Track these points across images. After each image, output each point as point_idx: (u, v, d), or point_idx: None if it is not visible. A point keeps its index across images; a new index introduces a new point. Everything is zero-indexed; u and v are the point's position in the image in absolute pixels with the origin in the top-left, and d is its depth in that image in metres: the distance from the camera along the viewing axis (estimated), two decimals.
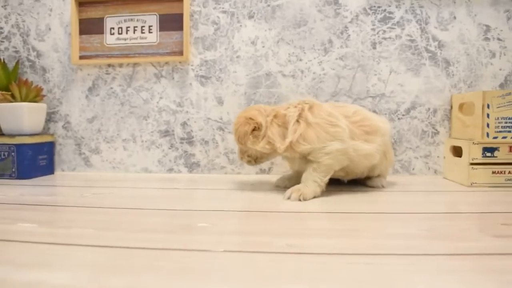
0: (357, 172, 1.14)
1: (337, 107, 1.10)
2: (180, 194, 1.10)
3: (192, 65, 1.47)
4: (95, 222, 0.80)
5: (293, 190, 1.02)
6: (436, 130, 1.42)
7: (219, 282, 0.52)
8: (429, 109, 1.42)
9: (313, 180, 1.04)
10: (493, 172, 1.20)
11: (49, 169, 1.51)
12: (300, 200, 1.00)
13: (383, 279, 0.52)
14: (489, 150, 1.20)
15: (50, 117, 1.55)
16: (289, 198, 1.00)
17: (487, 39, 1.41)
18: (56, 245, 0.66)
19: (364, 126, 1.09)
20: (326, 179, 1.05)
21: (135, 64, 1.50)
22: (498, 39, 1.41)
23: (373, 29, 1.42)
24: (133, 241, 0.68)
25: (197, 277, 0.53)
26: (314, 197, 1.03)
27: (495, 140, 1.20)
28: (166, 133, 1.49)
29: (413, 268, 0.56)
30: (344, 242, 0.67)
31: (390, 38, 1.41)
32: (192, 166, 1.48)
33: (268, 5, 1.44)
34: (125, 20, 1.50)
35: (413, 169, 1.43)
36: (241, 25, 1.45)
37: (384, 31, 1.41)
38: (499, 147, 1.20)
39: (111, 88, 1.51)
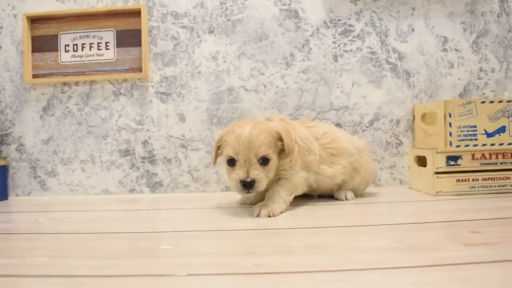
0: (323, 190, 1.16)
1: (308, 128, 1.11)
2: (142, 216, 1.04)
3: (151, 82, 1.42)
4: (50, 250, 0.73)
5: (262, 207, 0.98)
6: (400, 140, 1.41)
7: None
8: (392, 120, 1.41)
9: (280, 196, 1.01)
10: (458, 180, 1.20)
11: (2, 194, 1.41)
12: (269, 216, 0.95)
13: None
14: (452, 158, 1.19)
15: (2, 140, 1.46)
16: (258, 215, 0.96)
17: (445, 50, 1.42)
18: (6, 277, 0.59)
19: (331, 148, 1.11)
20: (291, 198, 1.04)
21: (92, 82, 1.43)
22: (456, 49, 1.42)
23: (334, 42, 1.40)
24: (89, 268, 0.61)
25: None
26: (281, 212, 1.00)
27: (458, 149, 1.19)
28: (126, 152, 1.42)
29: (389, 284, 0.52)
30: (314, 258, 0.63)
31: (351, 50, 1.41)
32: (154, 186, 1.42)
33: (228, 20, 1.41)
34: (80, 37, 1.43)
35: (379, 180, 1.41)
36: (201, 40, 1.41)
37: (345, 44, 1.41)
38: (462, 155, 1.19)
39: (67, 107, 1.44)
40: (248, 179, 0.93)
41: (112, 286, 0.54)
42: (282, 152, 1.00)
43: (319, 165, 1.07)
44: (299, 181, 1.04)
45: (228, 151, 0.96)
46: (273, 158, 0.98)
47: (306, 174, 1.05)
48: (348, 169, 1.14)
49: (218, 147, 1.03)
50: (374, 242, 0.72)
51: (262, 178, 0.94)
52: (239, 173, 0.94)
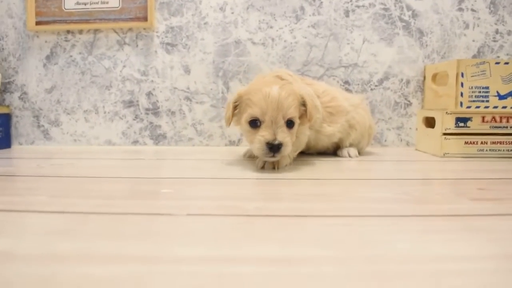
0: (319, 148, 1.15)
1: (309, 85, 1.08)
2: (144, 164, 1.03)
3: (157, 32, 1.38)
4: (50, 190, 0.72)
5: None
6: (409, 101, 1.38)
7: (183, 244, 0.45)
8: (402, 80, 1.37)
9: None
10: (466, 143, 1.17)
11: (5, 142, 1.40)
12: (274, 168, 0.94)
13: (366, 239, 0.46)
14: (462, 120, 1.16)
15: (5, 88, 1.43)
16: (262, 167, 0.94)
17: (460, 9, 1.36)
18: (5, 212, 0.58)
19: (330, 107, 1.09)
20: (296, 154, 1.03)
21: (96, 31, 1.39)
22: (472, 9, 1.37)
23: None
24: (88, 206, 0.60)
25: (158, 240, 0.46)
26: (286, 165, 0.98)
27: (468, 110, 1.16)
28: (130, 103, 1.40)
29: (396, 229, 0.50)
30: (319, 205, 0.61)
31: (363, 6, 1.35)
32: (158, 138, 1.40)
33: None
34: None
35: (385, 140, 1.39)
36: None
37: None
38: (472, 117, 1.16)
39: (71, 56, 1.41)
40: (276, 142, 0.86)
41: (110, 222, 0.53)
42: (301, 117, 0.96)
43: (320, 123, 1.06)
44: (304, 138, 1.03)
45: (252, 111, 0.89)
46: (297, 122, 0.93)
47: (308, 131, 1.03)
48: (345, 126, 1.12)
49: (235, 107, 0.95)
50: (378, 193, 0.71)
51: (288, 142, 0.88)
52: (265, 134, 0.87)
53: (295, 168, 0.96)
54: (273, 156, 0.88)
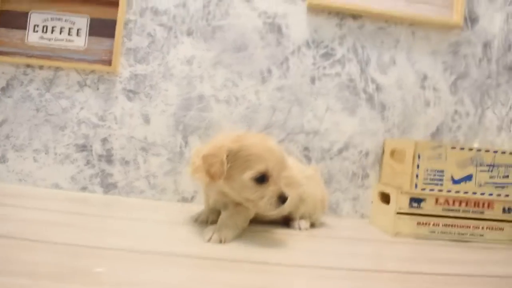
0: (267, 220, 1.12)
1: None
2: (87, 223, 0.97)
3: (120, 77, 1.34)
4: None
5: (215, 232, 0.92)
6: (367, 173, 1.37)
7: None
8: (361, 151, 1.37)
9: (235, 223, 0.96)
10: (418, 223, 1.16)
11: None
12: (221, 242, 0.90)
13: None
14: (416, 200, 1.16)
15: None
16: (209, 240, 0.90)
17: (423, 87, 1.39)
18: None
19: (284, 178, 1.04)
20: (246, 223, 1.00)
21: (57, 68, 1.34)
22: (434, 88, 1.39)
23: (314, 64, 1.36)
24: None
25: None
26: (233, 239, 0.94)
27: (422, 192, 1.16)
28: (83, 148, 1.34)
29: None
30: None
31: (330, 75, 1.36)
32: (108, 187, 1.34)
33: (209, 25, 1.34)
34: (52, 19, 1.34)
35: (341, 211, 1.37)
36: (178, 41, 1.34)
37: (325, 67, 1.36)
38: (426, 198, 1.16)
39: (27, 90, 1.34)
40: (286, 194, 0.90)
41: None
42: None
43: None
44: (254, 210, 1.00)
45: (259, 167, 0.89)
46: None
47: None
48: (295, 200, 1.10)
49: (227, 160, 0.90)
50: None
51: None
52: (275, 189, 0.89)
53: (241, 242, 0.93)
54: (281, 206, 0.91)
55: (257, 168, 0.89)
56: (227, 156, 0.89)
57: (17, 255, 0.69)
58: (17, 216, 0.96)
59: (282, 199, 0.89)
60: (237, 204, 0.98)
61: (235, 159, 0.90)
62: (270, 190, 0.89)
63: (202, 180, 0.93)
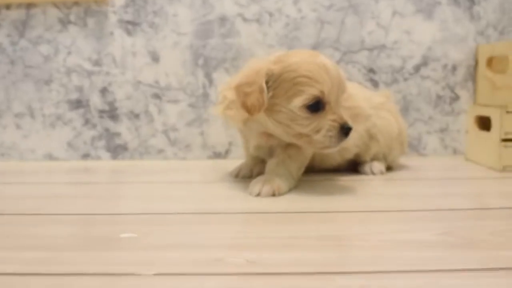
0: (327, 166, 1.16)
1: None
2: (98, 191, 1.02)
3: (113, 6, 1.38)
4: None
5: (264, 182, 0.96)
6: (456, 94, 1.39)
7: None
8: (446, 65, 1.38)
9: (288, 170, 1.00)
10: None
11: None
12: (274, 195, 0.94)
13: None
14: None
15: None
16: (258, 194, 0.94)
17: None
18: None
19: (344, 108, 1.08)
20: (301, 172, 1.04)
21: (29, 5, 1.39)
22: None
23: None
24: (19, 264, 0.60)
25: None
26: (289, 190, 0.99)
27: None
28: (78, 103, 1.40)
29: None
30: (326, 256, 0.61)
31: None
32: (116, 150, 1.41)
33: None
34: None
35: (425, 148, 1.40)
36: None
37: None
38: None
39: None
40: (349, 124, 0.92)
41: None
42: None
43: None
44: (310, 153, 1.04)
45: (312, 90, 0.90)
46: None
47: None
48: (364, 137, 1.13)
49: (267, 87, 0.92)
50: (410, 234, 0.71)
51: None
52: (336, 118, 0.92)
53: (298, 193, 0.97)
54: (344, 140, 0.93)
55: (310, 92, 0.90)
56: (267, 81, 0.92)
57: (29, 231, 0.75)
58: (9, 192, 1.03)
59: (345, 130, 0.91)
60: (287, 147, 1.02)
61: (279, 84, 0.92)
62: (328, 120, 0.91)
63: (238, 119, 0.97)
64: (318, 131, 0.92)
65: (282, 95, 0.92)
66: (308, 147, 0.98)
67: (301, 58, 0.93)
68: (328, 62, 0.93)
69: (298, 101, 0.90)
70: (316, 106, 0.91)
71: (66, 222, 0.80)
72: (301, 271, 0.57)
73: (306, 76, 0.90)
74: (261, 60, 0.98)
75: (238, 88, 0.93)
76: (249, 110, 0.92)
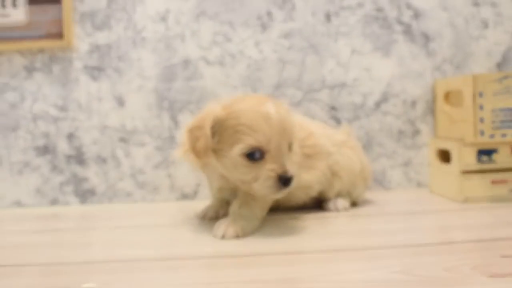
0: (292, 205, 1.17)
1: None
2: (65, 239, 1.02)
3: (77, 53, 1.39)
4: None
5: (229, 225, 0.97)
6: (417, 128, 1.42)
7: None
8: (406, 100, 1.41)
9: (251, 211, 1.01)
10: (493, 182, 1.21)
11: None
12: (238, 236, 0.95)
13: None
14: (485, 152, 1.20)
15: None
16: (223, 236, 0.96)
17: (476, 4, 1.42)
18: None
19: (306, 147, 1.11)
20: (265, 213, 1.05)
21: None
22: (491, 3, 1.43)
23: None
24: None
25: None
26: (252, 232, 1.00)
27: (492, 140, 1.19)
28: (45, 150, 1.41)
29: None
30: None
31: (349, 7, 1.40)
32: (85, 195, 1.41)
33: None
34: None
35: (389, 182, 1.42)
36: None
37: None
38: (498, 149, 1.20)
39: None
40: (289, 174, 0.91)
41: None
42: None
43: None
44: None
45: (253, 140, 0.90)
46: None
47: None
48: (327, 175, 1.15)
49: (213, 134, 0.95)
50: (369, 272, 0.72)
51: (296, 171, 0.94)
52: (275, 168, 0.91)
53: (262, 234, 0.98)
54: (283, 190, 0.93)
55: (247, 141, 0.91)
56: (213, 126, 0.94)
57: None
58: None
59: (283, 180, 0.91)
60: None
61: (224, 130, 0.94)
62: (266, 169, 0.92)
63: (196, 162, 0.99)
64: (256, 180, 0.93)
65: (226, 141, 0.94)
66: (253, 193, 0.98)
67: (246, 106, 0.94)
68: (272, 110, 0.93)
69: (237, 149, 0.92)
70: (255, 155, 0.92)
71: (26, 274, 0.79)
72: None
73: (245, 124, 0.92)
74: (214, 104, 0.99)
75: (189, 132, 0.97)
76: (197, 154, 0.95)
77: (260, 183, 0.92)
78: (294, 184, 0.93)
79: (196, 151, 0.95)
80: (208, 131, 0.93)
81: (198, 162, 1.00)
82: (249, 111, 0.93)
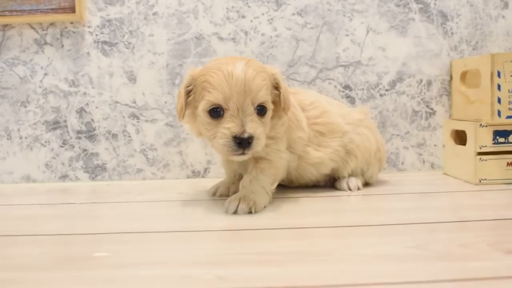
0: (305, 181, 1.17)
1: (293, 94, 1.09)
2: (75, 212, 1.03)
3: (89, 27, 1.39)
4: None
5: (241, 200, 0.97)
6: (432, 109, 1.41)
7: None
8: (421, 80, 1.40)
9: (261, 186, 1.00)
10: (509, 164, 1.20)
11: None
12: (251, 212, 0.95)
13: None
14: (502, 134, 1.19)
15: None
16: (235, 212, 0.95)
17: None
18: None
19: (319, 124, 1.11)
20: (274, 186, 1.05)
21: (5, 26, 1.39)
22: None
23: None
24: None
25: None
26: (264, 207, 1.00)
27: (509, 121, 1.19)
28: (55, 124, 1.40)
29: None
30: (300, 270, 0.63)
31: None
32: (95, 171, 1.41)
33: None
34: None
35: (402, 163, 1.42)
36: None
37: None
38: None
39: None
40: (246, 135, 0.89)
41: None
42: (274, 106, 0.99)
43: (304, 146, 1.08)
44: (283, 165, 1.05)
45: (211, 97, 0.91)
46: (270, 108, 0.96)
47: (289, 156, 1.06)
48: (341, 153, 1.15)
49: (188, 93, 0.97)
50: (382, 247, 0.72)
51: (261, 134, 0.92)
52: (231, 126, 0.90)
53: (275, 210, 0.98)
54: (243, 153, 0.91)
55: (208, 98, 0.92)
56: (188, 85, 0.97)
57: (3, 251, 0.76)
58: None
59: (239, 140, 0.90)
60: (258, 161, 1.02)
61: (197, 88, 0.96)
62: (223, 127, 0.91)
63: (191, 129, 1.04)
64: (214, 137, 0.93)
65: (197, 99, 0.96)
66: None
67: (215, 64, 0.94)
68: (238, 70, 0.91)
69: (202, 106, 0.93)
70: (216, 112, 0.92)
71: (40, 243, 0.80)
72: (269, 286, 0.58)
73: (208, 81, 0.92)
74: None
75: (178, 95, 1.00)
76: (178, 114, 0.98)
77: (216, 141, 0.92)
78: (257, 146, 0.91)
79: (177, 112, 0.98)
80: (183, 91, 0.96)
81: (193, 128, 1.02)
82: (214, 69, 0.93)
